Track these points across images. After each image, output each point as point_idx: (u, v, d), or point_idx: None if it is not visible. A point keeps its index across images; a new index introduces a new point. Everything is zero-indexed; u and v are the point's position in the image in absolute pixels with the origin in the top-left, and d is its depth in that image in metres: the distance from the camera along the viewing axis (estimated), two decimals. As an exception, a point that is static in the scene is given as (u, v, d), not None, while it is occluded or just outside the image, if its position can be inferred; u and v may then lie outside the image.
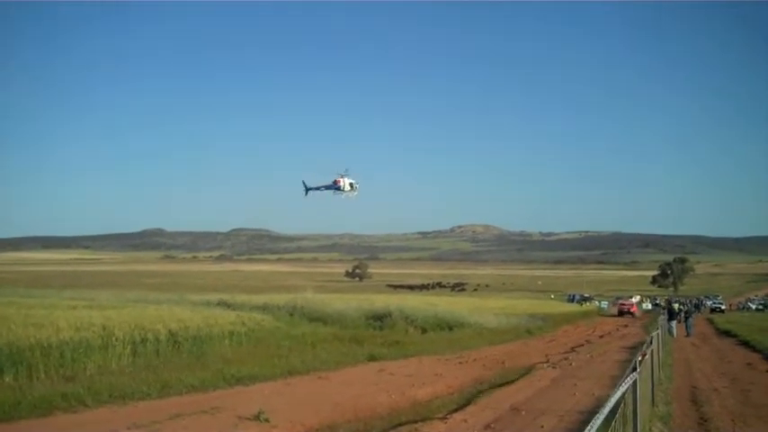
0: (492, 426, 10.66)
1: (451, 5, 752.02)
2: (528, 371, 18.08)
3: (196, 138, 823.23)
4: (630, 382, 6.06)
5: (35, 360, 12.92)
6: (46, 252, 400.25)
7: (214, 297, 36.81)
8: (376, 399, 13.00)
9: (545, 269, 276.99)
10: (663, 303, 69.88)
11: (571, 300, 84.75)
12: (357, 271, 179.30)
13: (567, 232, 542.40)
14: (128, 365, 14.70)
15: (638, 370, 6.64)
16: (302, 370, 16.00)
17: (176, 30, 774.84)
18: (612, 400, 4.91)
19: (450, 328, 29.75)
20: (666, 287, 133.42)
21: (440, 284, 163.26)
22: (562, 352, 23.98)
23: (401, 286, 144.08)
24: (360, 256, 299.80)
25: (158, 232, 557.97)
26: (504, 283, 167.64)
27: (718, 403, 12.67)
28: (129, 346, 15.19)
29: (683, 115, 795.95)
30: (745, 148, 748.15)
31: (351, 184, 35.99)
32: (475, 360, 20.43)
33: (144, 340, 15.75)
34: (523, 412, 11.70)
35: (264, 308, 28.39)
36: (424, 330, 28.00)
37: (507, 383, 15.68)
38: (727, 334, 33.28)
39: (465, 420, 11.09)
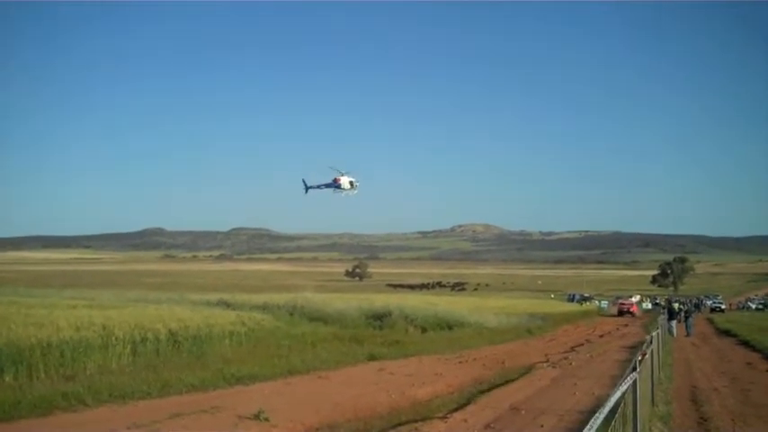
0: (492, 425, 10.66)
1: (451, 5, 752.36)
2: (528, 370, 18.08)
3: (196, 138, 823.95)
4: (630, 381, 6.06)
5: (35, 359, 12.93)
6: (46, 251, 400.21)
7: (214, 296, 36.81)
8: (376, 398, 13.00)
9: (545, 269, 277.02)
10: (663, 303, 69.92)
11: (571, 299, 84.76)
12: (357, 270, 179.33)
13: (568, 232, 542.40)
14: (128, 365, 14.71)
15: (638, 369, 6.64)
16: (302, 369, 16.00)
17: (176, 30, 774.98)
18: (612, 400, 4.91)
19: (450, 328, 29.78)
20: (666, 287, 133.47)
21: (440, 284, 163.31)
22: (562, 351, 23.99)
23: (401, 286, 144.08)
24: (360, 256, 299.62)
25: (158, 232, 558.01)
26: (504, 283, 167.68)
27: (718, 403, 12.67)
28: (129, 346, 15.20)
29: (683, 115, 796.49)
30: (745, 148, 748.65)
31: (350, 183, 35.98)
32: (475, 359, 20.43)
33: (144, 340, 15.75)
34: (523, 412, 11.70)
35: (264, 307, 28.38)
36: (424, 330, 28.02)
37: (507, 383, 15.68)
38: (727, 333, 33.30)
39: (465, 420, 11.09)
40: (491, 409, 12.14)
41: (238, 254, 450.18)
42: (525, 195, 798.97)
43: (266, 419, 10.32)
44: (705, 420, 10.93)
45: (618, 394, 5.26)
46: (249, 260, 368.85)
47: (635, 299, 73.66)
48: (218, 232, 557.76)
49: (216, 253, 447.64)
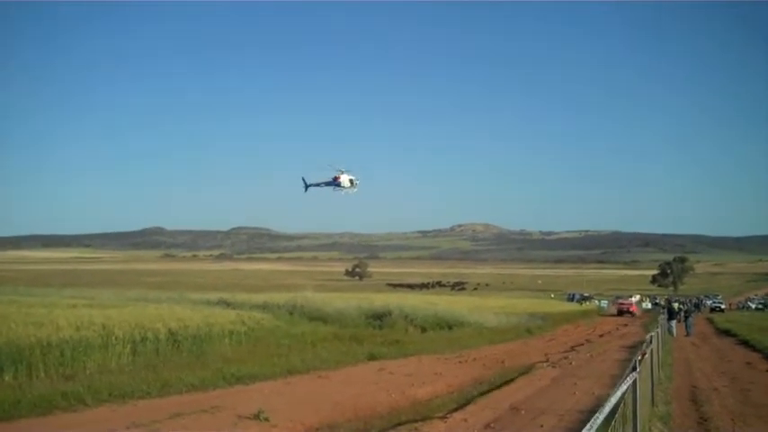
0: (492, 425, 10.65)
1: (451, 5, 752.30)
2: (528, 370, 18.08)
3: (196, 138, 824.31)
4: (630, 381, 6.06)
5: (35, 359, 12.93)
6: (46, 251, 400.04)
7: (214, 296, 36.83)
8: (376, 398, 13.00)
9: (545, 268, 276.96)
10: (663, 303, 69.93)
11: (571, 299, 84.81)
12: (357, 270, 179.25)
13: (567, 231, 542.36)
14: (128, 364, 14.71)
15: (638, 369, 6.63)
16: (302, 369, 16.00)
17: (176, 30, 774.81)
18: (612, 400, 4.91)
19: (450, 328, 29.78)
20: (666, 286, 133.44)
21: (440, 283, 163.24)
22: (562, 351, 23.98)
23: (401, 285, 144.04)
24: (360, 255, 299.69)
25: (158, 231, 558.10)
26: (504, 283, 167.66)
27: (718, 403, 12.66)
28: (128, 345, 15.21)
29: (683, 115, 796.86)
30: (745, 148, 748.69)
31: (350, 181, 35.88)
32: (475, 359, 20.43)
33: (144, 339, 15.76)
34: (523, 411, 11.70)
35: (264, 307, 28.40)
36: (423, 329, 28.02)
37: (507, 383, 15.67)
38: (726, 333, 33.29)
39: (465, 420, 11.08)
40: (491, 408, 12.13)
41: (238, 253, 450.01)
42: (525, 195, 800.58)
43: (266, 419, 10.32)
44: (705, 420, 10.92)
45: (618, 394, 5.26)
46: (249, 259, 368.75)
47: (635, 298, 73.62)
48: (218, 232, 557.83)
49: (216, 252, 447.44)
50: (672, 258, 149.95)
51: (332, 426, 10.77)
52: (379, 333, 25.09)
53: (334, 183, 35.97)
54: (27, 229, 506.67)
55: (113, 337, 14.86)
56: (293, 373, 15.48)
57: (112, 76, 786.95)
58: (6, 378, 12.31)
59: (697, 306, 67.68)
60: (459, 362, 19.67)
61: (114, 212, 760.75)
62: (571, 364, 19.73)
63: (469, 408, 12.27)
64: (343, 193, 36.13)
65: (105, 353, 14.53)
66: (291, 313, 27.45)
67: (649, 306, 78.43)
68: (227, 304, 28.84)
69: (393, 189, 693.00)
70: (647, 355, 8.95)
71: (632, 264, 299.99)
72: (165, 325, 16.81)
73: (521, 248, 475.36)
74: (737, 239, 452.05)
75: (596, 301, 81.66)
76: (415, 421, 10.98)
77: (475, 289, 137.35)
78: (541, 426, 10.55)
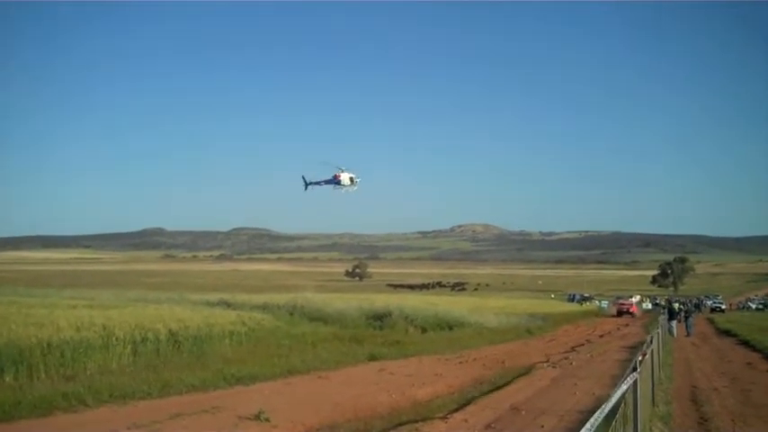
0: (492, 425, 10.66)
1: (451, 5, 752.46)
2: (528, 370, 18.07)
3: (196, 138, 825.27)
4: (631, 381, 6.06)
5: (35, 359, 12.93)
6: (46, 251, 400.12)
7: (214, 296, 36.83)
8: (376, 398, 13.00)
9: (545, 269, 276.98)
10: (663, 303, 69.89)
11: (571, 299, 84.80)
12: (357, 270, 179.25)
13: (568, 232, 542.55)
14: (128, 365, 14.71)
15: (639, 370, 6.64)
16: (302, 369, 16.00)
17: (176, 30, 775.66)
18: (613, 400, 4.92)
19: (451, 328, 29.78)
20: (667, 287, 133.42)
21: (440, 284, 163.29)
22: (562, 351, 23.98)
23: (401, 286, 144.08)
24: (360, 256, 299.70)
25: (158, 231, 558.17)
26: (504, 283, 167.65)
27: (719, 403, 12.67)
28: (129, 346, 15.20)
29: (683, 115, 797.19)
30: (745, 148, 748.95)
31: (351, 179, 35.80)
32: (475, 360, 20.43)
33: (144, 340, 15.76)
34: (524, 412, 11.70)
35: (264, 307, 28.41)
36: (424, 330, 28.02)
37: (507, 383, 15.67)
38: (727, 333, 33.29)
39: (465, 420, 11.08)
40: (491, 409, 12.13)
41: (238, 254, 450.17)
42: (525, 195, 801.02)
43: (266, 420, 10.32)
44: (705, 420, 10.93)
45: (618, 394, 5.27)
46: (249, 260, 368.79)
47: (635, 299, 73.59)
48: (218, 232, 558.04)
49: (216, 253, 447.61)
50: (672, 259, 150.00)
51: (332, 426, 10.77)
52: (379, 334, 25.09)
53: (335, 181, 35.90)
54: (27, 229, 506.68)
55: (114, 338, 14.85)
56: (293, 373, 15.48)
57: (112, 76, 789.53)
58: (7, 379, 12.30)
59: (697, 306, 67.67)
60: (460, 362, 19.67)
61: (114, 213, 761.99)
62: (571, 364, 19.73)
63: (470, 408, 12.27)
64: (343, 191, 36.01)
65: (106, 353, 14.53)
66: (292, 314, 27.46)
67: (650, 306, 78.39)
68: (228, 305, 28.84)
69: (393, 189, 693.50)
70: (647, 356, 8.96)
71: (632, 264, 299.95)
72: (165, 326, 16.80)
73: (521, 249, 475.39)
74: (738, 240, 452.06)
75: (596, 302, 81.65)
76: (416, 422, 10.98)
77: (475, 289, 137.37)
78: (542, 426, 10.55)
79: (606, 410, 4.44)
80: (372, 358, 18.98)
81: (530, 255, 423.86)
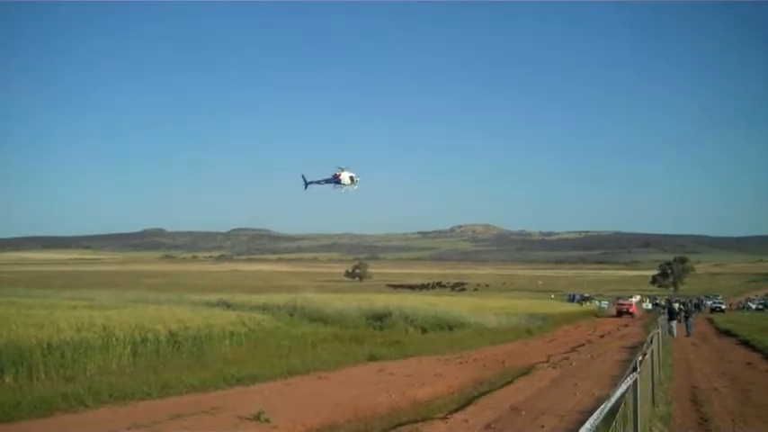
0: (492, 426, 10.66)
1: (451, 5, 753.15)
2: (528, 371, 18.07)
3: (196, 138, 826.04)
4: (631, 381, 6.06)
5: (35, 360, 12.93)
6: (46, 252, 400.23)
7: (214, 297, 36.81)
8: (376, 399, 13.00)
9: (545, 269, 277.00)
10: (663, 303, 69.87)
11: (571, 299, 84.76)
12: (357, 271, 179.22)
13: (568, 232, 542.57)
14: (128, 365, 14.71)
15: (639, 370, 6.64)
16: (302, 370, 16.00)
17: (176, 30, 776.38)
18: (613, 400, 4.92)
19: (451, 328, 29.76)
20: (667, 287, 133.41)
21: (440, 284, 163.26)
22: (562, 352, 23.98)
23: (401, 286, 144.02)
24: (360, 256, 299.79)
25: (158, 232, 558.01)
26: (504, 283, 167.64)
27: (719, 403, 12.67)
28: (129, 347, 15.21)
29: (683, 115, 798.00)
30: (745, 148, 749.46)
31: (351, 178, 35.74)
32: (475, 360, 20.42)
33: (144, 340, 15.76)
34: (524, 412, 11.70)
35: (264, 308, 28.39)
36: (424, 330, 28.01)
37: (507, 383, 15.67)
38: (727, 333, 33.28)
39: (466, 420, 11.08)
40: (491, 409, 12.13)
41: (238, 254, 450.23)
42: (525, 195, 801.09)
43: (266, 420, 10.32)
44: (705, 420, 10.93)
45: (618, 394, 5.26)
46: (249, 261, 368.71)
47: (635, 299, 73.56)
48: (218, 233, 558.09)
49: (216, 253, 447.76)
50: (672, 259, 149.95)
51: (332, 427, 10.77)
52: (379, 334, 25.08)
53: (335, 180, 35.84)
54: (27, 230, 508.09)
55: (114, 339, 14.86)
56: (293, 374, 15.48)
57: (112, 76, 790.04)
58: (7, 380, 12.31)
59: (697, 306, 67.65)
60: (460, 362, 19.67)
61: (114, 213, 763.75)
62: (571, 364, 19.72)
63: (470, 408, 12.27)
64: (343, 190, 35.99)
65: (106, 354, 14.53)
66: (292, 314, 27.44)
67: (650, 306, 78.38)
68: (228, 305, 28.82)
69: (393, 189, 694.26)
70: (647, 356, 8.96)
71: (632, 264, 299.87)
72: (165, 326, 16.80)
73: (521, 249, 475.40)
74: (738, 240, 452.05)
75: (597, 302, 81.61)
76: (416, 422, 10.98)
77: (475, 290, 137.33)
78: (542, 426, 10.55)
79: (606, 410, 4.44)
80: (372, 359, 18.97)
81: (530, 255, 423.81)
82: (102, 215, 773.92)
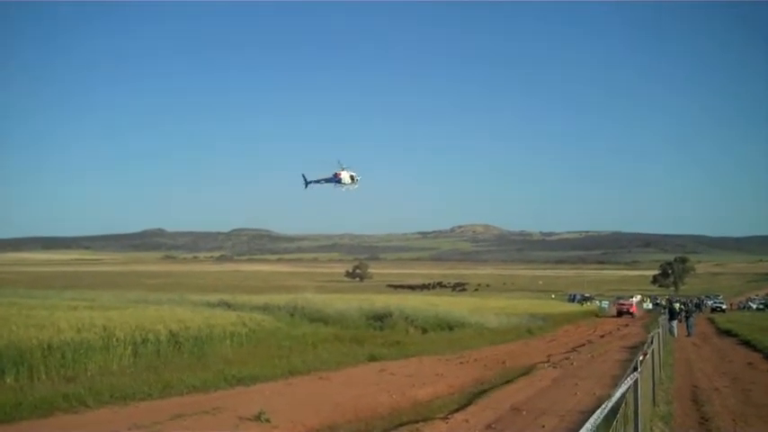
0: (493, 426, 10.66)
1: (451, 5, 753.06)
2: (529, 371, 18.08)
3: (196, 138, 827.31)
4: (631, 381, 6.06)
5: (36, 361, 12.94)
6: (46, 252, 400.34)
7: (215, 297, 36.78)
8: (377, 399, 13.01)
9: (545, 269, 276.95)
10: (664, 303, 69.87)
11: (572, 299, 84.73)
12: (357, 271, 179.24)
13: (568, 232, 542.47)
14: (129, 366, 14.72)
15: (639, 369, 6.64)
16: (303, 370, 16.01)
17: (176, 30, 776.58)
18: (613, 400, 4.92)
19: (451, 328, 29.76)
20: (667, 287, 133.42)
21: (440, 284, 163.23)
22: (563, 352, 23.98)
23: (401, 286, 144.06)
24: (360, 257, 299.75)
25: (159, 232, 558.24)
26: (504, 283, 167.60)
27: (719, 403, 12.67)
28: (130, 347, 15.21)
29: (683, 115, 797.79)
30: (745, 148, 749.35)
31: (351, 177, 35.67)
32: (476, 360, 20.43)
33: (145, 341, 15.76)
34: (524, 412, 11.70)
35: (265, 308, 28.38)
36: (424, 330, 28.01)
37: (508, 383, 15.68)
38: (727, 333, 33.27)
39: (466, 420, 11.09)
40: (492, 409, 12.13)
41: (239, 255, 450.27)
42: (525, 195, 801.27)
43: (267, 420, 10.33)
44: (706, 420, 10.93)
45: (619, 394, 5.27)
46: (250, 261, 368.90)
47: (635, 299, 73.50)
48: (218, 233, 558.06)
49: (216, 254, 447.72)
50: (672, 259, 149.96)
51: (333, 427, 10.78)
52: (379, 334, 25.08)
53: (335, 179, 35.78)
54: (27, 230, 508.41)
55: (114, 339, 14.86)
56: (294, 374, 15.49)
57: (112, 76, 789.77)
58: (8, 380, 12.31)
59: (698, 306, 67.65)
60: (460, 363, 19.67)
61: (114, 214, 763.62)
62: (572, 364, 19.72)
63: (471, 408, 12.27)
64: (343, 189, 35.91)
65: (106, 355, 14.53)
66: (292, 315, 27.43)
67: (650, 306, 78.36)
68: (228, 306, 28.82)
69: (393, 189, 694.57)
70: (648, 356, 8.96)
71: (633, 264, 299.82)
72: (165, 326, 16.81)
73: (521, 249, 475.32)
74: (738, 240, 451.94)
75: (597, 302, 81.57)
76: (417, 422, 10.99)
77: (475, 290, 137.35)
78: (543, 426, 10.56)
79: (607, 410, 4.44)
80: (373, 359, 18.98)
81: (530, 255, 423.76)
82: (103, 215, 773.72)
